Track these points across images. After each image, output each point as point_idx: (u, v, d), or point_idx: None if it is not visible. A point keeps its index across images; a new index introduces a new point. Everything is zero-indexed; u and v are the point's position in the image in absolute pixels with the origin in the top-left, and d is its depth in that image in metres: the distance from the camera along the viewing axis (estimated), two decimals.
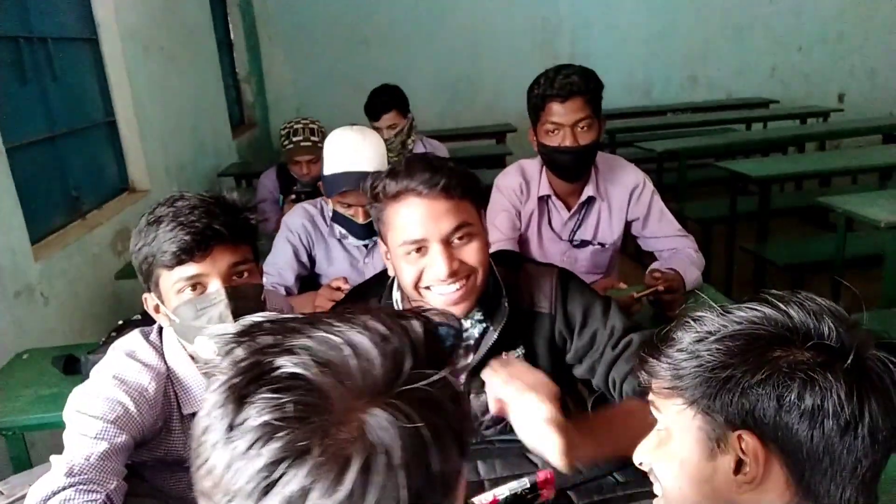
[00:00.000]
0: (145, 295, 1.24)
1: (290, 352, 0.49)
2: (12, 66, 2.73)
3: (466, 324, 1.33)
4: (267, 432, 0.45)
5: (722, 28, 7.23)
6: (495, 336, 1.32)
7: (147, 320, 1.37)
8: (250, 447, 0.45)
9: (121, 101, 3.63)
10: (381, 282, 1.45)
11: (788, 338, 0.72)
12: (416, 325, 0.52)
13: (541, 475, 1.13)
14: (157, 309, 1.23)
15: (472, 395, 1.36)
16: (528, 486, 1.12)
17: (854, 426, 0.68)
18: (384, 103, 3.15)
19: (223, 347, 0.51)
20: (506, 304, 1.33)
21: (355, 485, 0.43)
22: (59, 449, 1.14)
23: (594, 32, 7.12)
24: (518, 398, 1.07)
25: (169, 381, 1.25)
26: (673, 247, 2.09)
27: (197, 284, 1.16)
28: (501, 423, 1.39)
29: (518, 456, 1.28)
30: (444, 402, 0.49)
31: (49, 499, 1.05)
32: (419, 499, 0.46)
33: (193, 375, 1.25)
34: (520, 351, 1.37)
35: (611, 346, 1.33)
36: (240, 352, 0.50)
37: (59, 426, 1.19)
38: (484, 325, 1.34)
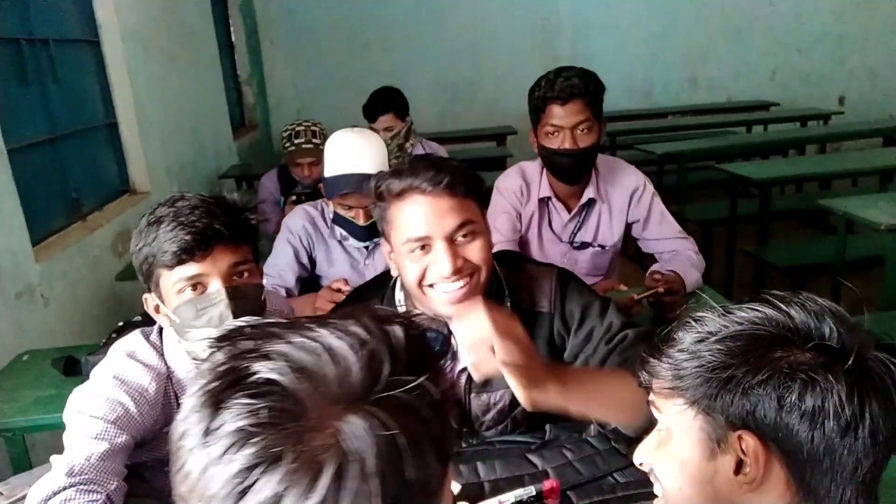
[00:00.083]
0: (145, 295, 1.24)
1: (266, 357, 0.48)
2: (14, 68, 2.74)
3: None
4: (241, 438, 0.44)
5: (722, 30, 7.24)
6: None
7: (147, 322, 1.37)
8: (225, 452, 0.45)
9: (122, 102, 3.63)
10: (382, 283, 1.45)
11: (789, 338, 0.72)
12: (398, 331, 0.52)
13: (547, 484, 1.12)
14: (157, 309, 1.23)
15: (472, 396, 1.36)
16: (534, 493, 1.11)
17: (855, 427, 0.68)
18: (381, 105, 3.16)
19: (205, 351, 0.51)
20: (508, 304, 1.33)
21: (328, 492, 0.43)
22: (59, 450, 1.14)
23: (594, 34, 7.13)
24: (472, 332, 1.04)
25: (169, 382, 1.25)
26: (673, 249, 2.08)
27: (197, 284, 1.16)
28: (502, 423, 1.39)
29: (518, 457, 1.28)
30: (422, 410, 0.49)
31: (49, 499, 1.05)
32: None
33: None
34: None
35: (605, 342, 1.33)
36: (220, 356, 0.50)
37: (60, 427, 1.20)
38: None
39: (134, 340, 1.27)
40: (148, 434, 1.21)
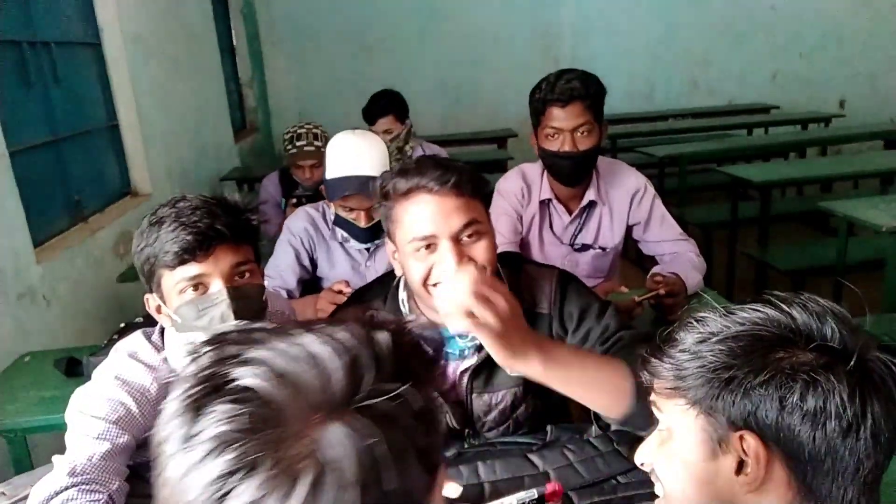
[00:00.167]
0: (147, 295, 1.24)
1: (248, 363, 0.48)
2: (16, 70, 2.74)
3: None
4: (220, 444, 0.44)
5: (723, 33, 7.25)
6: None
7: (149, 324, 1.37)
8: (204, 458, 0.44)
9: (123, 105, 3.64)
10: (384, 284, 1.45)
11: (791, 339, 0.72)
12: (384, 337, 0.51)
13: (549, 487, 1.11)
14: (158, 309, 1.23)
15: (473, 396, 1.36)
16: (536, 497, 1.11)
17: (856, 428, 0.68)
18: (381, 108, 3.16)
19: (191, 356, 0.51)
20: None
21: (306, 500, 0.43)
22: (60, 451, 1.14)
23: (596, 38, 7.14)
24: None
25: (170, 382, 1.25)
26: (674, 251, 2.08)
27: (199, 284, 1.16)
28: (504, 424, 1.39)
29: (519, 457, 1.28)
30: (404, 418, 0.48)
31: (51, 499, 1.05)
32: None
33: None
34: None
35: (600, 343, 1.33)
36: (204, 361, 0.50)
37: (61, 428, 1.20)
38: None
39: (135, 341, 1.27)
40: (149, 434, 1.20)
